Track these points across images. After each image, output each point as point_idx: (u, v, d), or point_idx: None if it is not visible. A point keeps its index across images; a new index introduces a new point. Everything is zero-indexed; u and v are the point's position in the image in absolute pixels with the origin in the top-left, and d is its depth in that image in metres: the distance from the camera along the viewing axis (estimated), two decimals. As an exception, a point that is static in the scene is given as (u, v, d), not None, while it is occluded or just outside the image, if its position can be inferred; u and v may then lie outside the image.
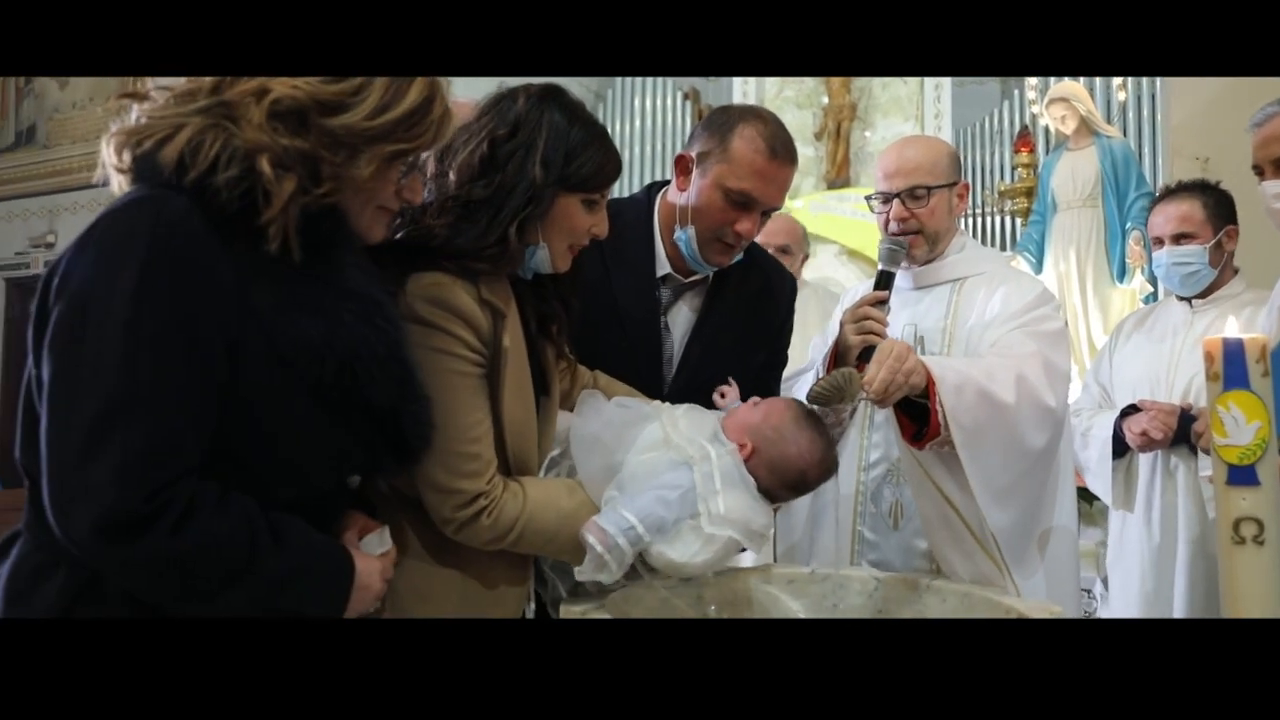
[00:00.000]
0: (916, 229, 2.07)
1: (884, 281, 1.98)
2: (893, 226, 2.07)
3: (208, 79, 1.19)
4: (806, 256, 4.00)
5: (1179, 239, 2.69)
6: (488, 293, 1.43)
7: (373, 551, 1.33)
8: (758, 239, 3.63)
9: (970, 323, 2.05)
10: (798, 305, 3.64)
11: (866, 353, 1.90)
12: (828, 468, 1.67)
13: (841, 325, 1.95)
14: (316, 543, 1.24)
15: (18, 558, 1.19)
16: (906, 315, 2.12)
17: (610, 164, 1.51)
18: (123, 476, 1.05)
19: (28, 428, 1.17)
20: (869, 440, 2.12)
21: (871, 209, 2.15)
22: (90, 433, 1.05)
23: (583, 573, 1.45)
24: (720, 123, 1.83)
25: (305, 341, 1.18)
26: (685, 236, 1.84)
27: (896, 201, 2.06)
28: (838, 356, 1.95)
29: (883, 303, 1.94)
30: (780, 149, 1.80)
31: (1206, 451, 2.45)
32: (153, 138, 1.16)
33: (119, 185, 1.20)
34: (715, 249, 1.85)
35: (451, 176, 1.43)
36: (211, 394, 1.12)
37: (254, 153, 1.14)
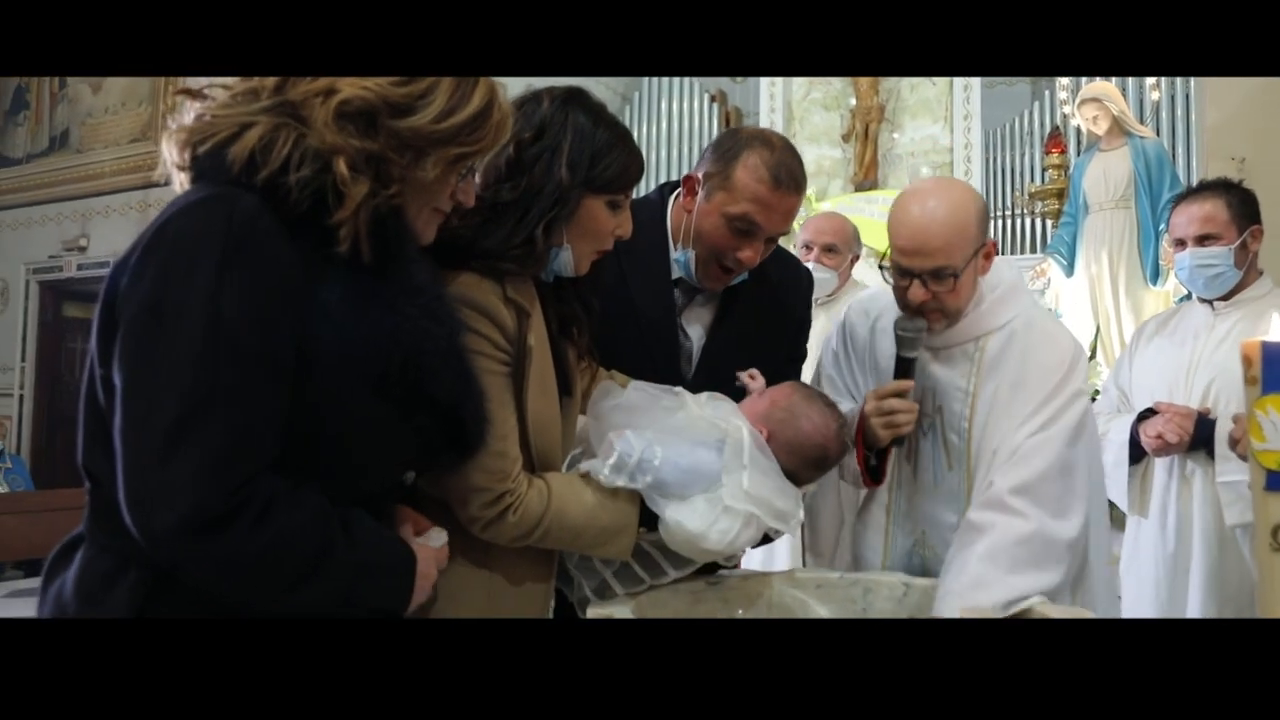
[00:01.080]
0: (937, 308, 1.80)
1: (904, 369, 1.82)
2: (911, 304, 1.80)
3: (271, 78, 1.20)
4: (856, 257, 3.76)
5: (1202, 240, 2.61)
6: (513, 292, 1.44)
7: (434, 544, 1.35)
8: (806, 237, 3.59)
9: (993, 390, 1.84)
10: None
11: (897, 441, 1.83)
12: (844, 442, 1.68)
13: (865, 415, 1.83)
14: (382, 535, 1.26)
15: (84, 562, 1.18)
16: (922, 378, 1.89)
17: (634, 165, 1.53)
18: (204, 475, 1.05)
19: (92, 431, 1.17)
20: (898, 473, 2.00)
21: (884, 278, 1.85)
22: (170, 432, 1.05)
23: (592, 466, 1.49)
24: (727, 148, 1.81)
25: (372, 337, 1.19)
26: (684, 258, 1.84)
27: (916, 281, 1.77)
28: (865, 440, 1.85)
29: (905, 393, 1.81)
30: (785, 178, 1.76)
31: (1243, 457, 2.40)
32: (216, 136, 1.16)
33: (180, 183, 1.21)
34: (714, 272, 1.84)
35: (477, 179, 1.43)
36: (284, 391, 1.13)
37: (330, 154, 1.15)
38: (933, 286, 1.76)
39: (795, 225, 4.85)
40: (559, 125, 1.46)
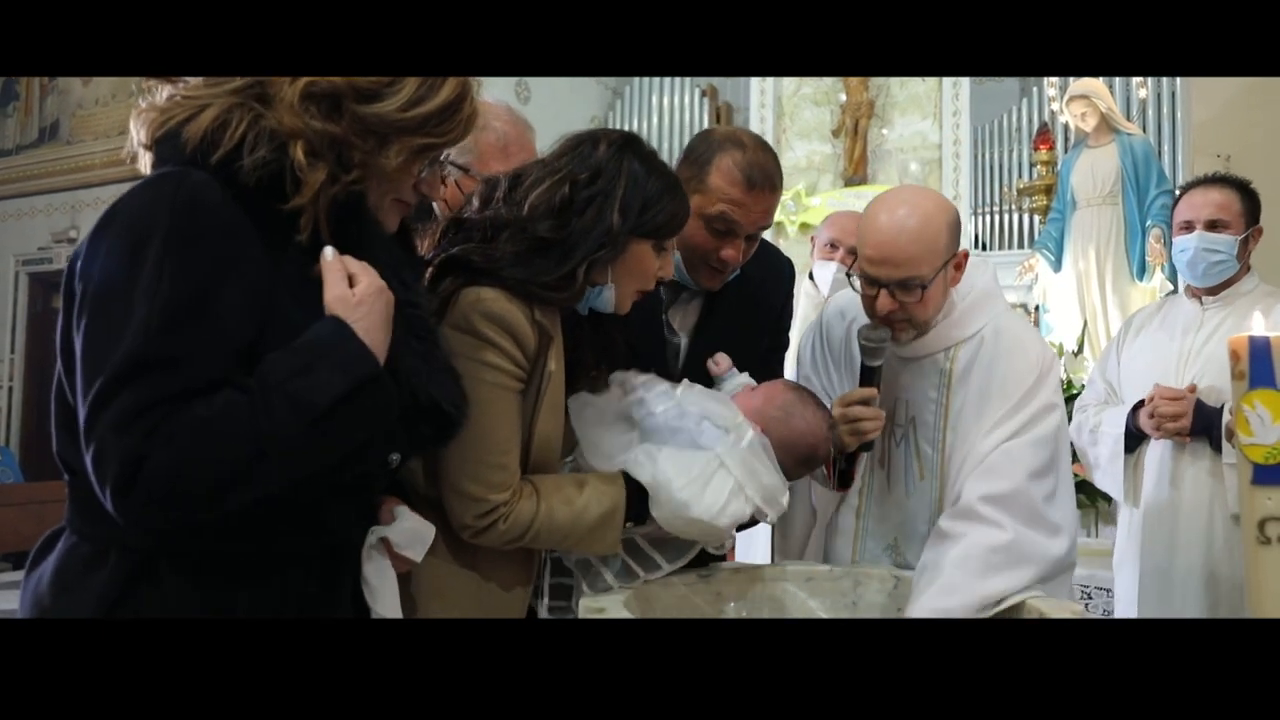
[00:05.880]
0: (904, 319, 1.77)
1: (869, 378, 1.81)
2: (879, 314, 1.76)
3: None
4: None
5: (1213, 225, 2.61)
6: (541, 314, 1.47)
7: (401, 528, 1.36)
8: (834, 235, 3.52)
9: (963, 405, 1.82)
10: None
11: (865, 445, 1.83)
12: (833, 440, 1.71)
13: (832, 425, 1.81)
14: (298, 340, 1.15)
15: (64, 550, 1.18)
16: (894, 388, 1.88)
17: (682, 212, 1.57)
18: (120, 430, 1.03)
19: (64, 421, 1.17)
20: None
21: (850, 283, 1.83)
22: (97, 403, 1.04)
23: None
24: (700, 151, 1.83)
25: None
26: (675, 260, 1.85)
27: (884, 291, 1.73)
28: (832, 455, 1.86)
29: (871, 400, 1.80)
30: (758, 177, 1.78)
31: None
32: (176, 118, 1.16)
33: (145, 164, 1.21)
34: (704, 272, 1.86)
35: (525, 209, 1.46)
36: (229, 359, 1.10)
37: (289, 137, 1.15)
38: (900, 297, 1.72)
39: (816, 220, 4.77)
40: (614, 171, 1.49)
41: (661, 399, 1.59)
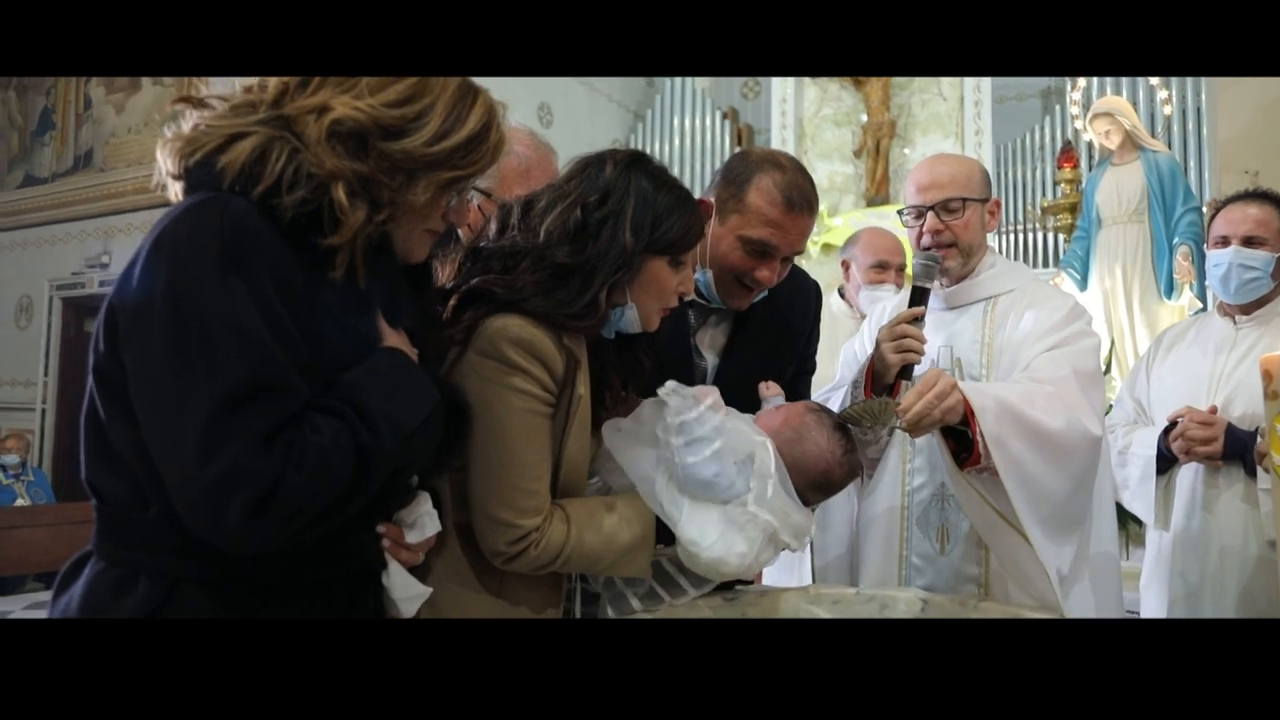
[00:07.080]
0: (950, 242, 2.04)
1: (919, 297, 1.96)
2: (926, 240, 2.05)
3: (270, 91, 1.20)
4: None
5: (1250, 241, 2.58)
6: (569, 340, 1.48)
7: (419, 529, 1.37)
8: (883, 256, 3.48)
9: (1005, 342, 2.04)
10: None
11: (906, 370, 1.91)
12: (850, 468, 1.70)
13: (878, 343, 1.93)
14: (370, 365, 1.22)
15: (92, 575, 1.18)
16: (941, 337, 2.10)
17: (695, 226, 1.57)
18: (249, 458, 1.05)
19: (94, 447, 1.18)
20: (912, 464, 2.09)
21: (904, 224, 2.13)
22: (207, 436, 1.05)
23: None
24: (738, 171, 1.84)
25: (371, 339, 1.22)
26: (704, 279, 1.87)
27: (930, 214, 2.04)
28: (875, 374, 1.94)
29: (919, 319, 1.92)
30: (798, 199, 1.79)
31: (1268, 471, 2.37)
32: (206, 147, 1.16)
33: (175, 193, 1.21)
34: (735, 291, 1.87)
35: (541, 236, 1.47)
36: (301, 364, 1.13)
37: (329, 178, 1.15)
38: (944, 218, 2.03)
39: (838, 241, 4.77)
40: (622, 190, 1.50)
41: (692, 450, 1.54)
